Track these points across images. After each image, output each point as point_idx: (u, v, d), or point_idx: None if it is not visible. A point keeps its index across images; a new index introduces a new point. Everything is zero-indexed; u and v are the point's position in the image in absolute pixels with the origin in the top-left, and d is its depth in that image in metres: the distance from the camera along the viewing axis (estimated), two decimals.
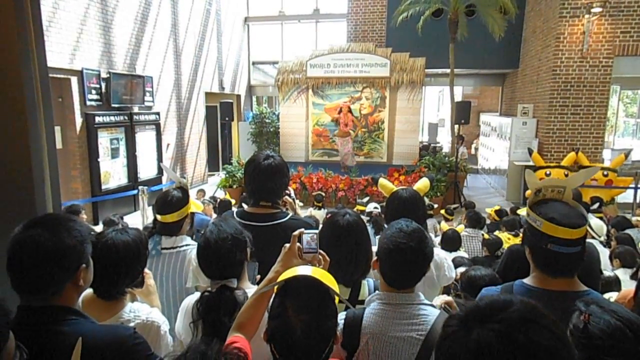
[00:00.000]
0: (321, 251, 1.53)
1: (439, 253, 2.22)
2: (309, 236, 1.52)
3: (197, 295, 1.74)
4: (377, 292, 1.66)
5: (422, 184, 2.50)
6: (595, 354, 1.10)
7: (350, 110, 10.11)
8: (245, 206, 2.24)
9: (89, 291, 1.62)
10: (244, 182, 2.27)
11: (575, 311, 1.21)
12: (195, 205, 2.55)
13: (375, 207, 5.56)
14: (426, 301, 1.61)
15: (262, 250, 1.79)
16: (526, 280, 1.61)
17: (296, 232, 1.52)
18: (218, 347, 1.13)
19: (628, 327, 1.10)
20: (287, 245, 1.52)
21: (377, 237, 2.02)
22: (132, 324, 1.59)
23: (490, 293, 1.64)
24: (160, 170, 9.77)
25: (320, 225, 2.23)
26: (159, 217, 2.34)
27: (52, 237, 1.26)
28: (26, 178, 1.63)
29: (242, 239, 1.69)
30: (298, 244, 1.51)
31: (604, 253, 3.92)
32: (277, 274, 1.37)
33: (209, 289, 1.65)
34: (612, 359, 1.09)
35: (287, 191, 2.33)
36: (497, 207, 6.54)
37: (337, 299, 1.26)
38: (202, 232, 1.75)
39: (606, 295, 2.25)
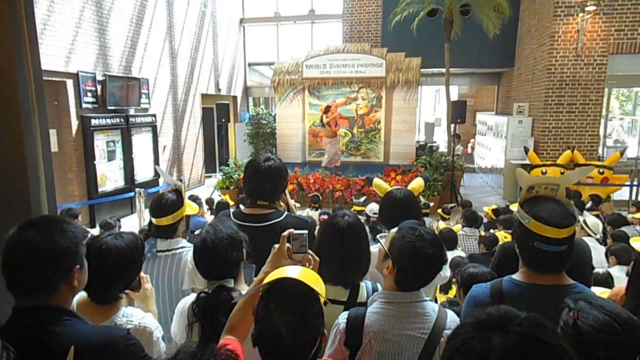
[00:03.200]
0: (310, 251, 1.54)
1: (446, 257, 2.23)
2: (299, 236, 1.53)
3: (193, 296, 1.74)
4: (379, 291, 1.68)
5: (416, 184, 2.51)
6: (586, 348, 1.14)
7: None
8: (242, 207, 2.25)
9: (83, 295, 1.62)
10: (242, 182, 2.28)
11: (564, 307, 1.24)
12: (190, 207, 2.55)
13: (375, 214, 5.56)
14: (427, 298, 1.63)
15: (259, 251, 1.79)
16: (514, 276, 1.64)
17: (285, 233, 1.52)
18: (210, 349, 1.13)
19: (616, 321, 1.14)
20: (277, 245, 1.52)
21: (377, 236, 2.02)
22: None
23: (481, 290, 1.66)
24: (157, 172, 9.76)
25: (317, 227, 2.24)
26: (154, 220, 2.34)
27: (46, 238, 1.27)
28: (21, 181, 1.63)
29: (238, 239, 1.70)
30: (288, 244, 1.51)
31: (599, 250, 3.94)
32: (266, 274, 1.36)
33: (206, 290, 1.66)
34: (602, 353, 1.12)
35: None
36: (494, 206, 6.56)
37: (322, 300, 1.25)
38: (199, 233, 1.76)
39: (596, 290, 2.27)
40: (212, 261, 1.64)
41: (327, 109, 10.09)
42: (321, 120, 10.18)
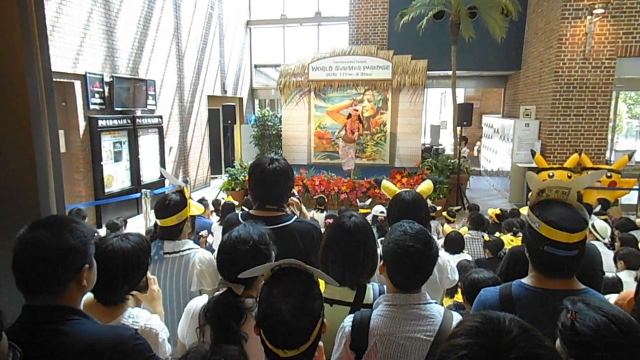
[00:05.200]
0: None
1: (442, 256, 2.22)
2: None
3: (203, 298, 1.73)
4: (384, 294, 1.67)
5: (425, 187, 2.49)
6: (584, 350, 1.14)
7: (360, 119, 9.90)
8: (245, 209, 2.24)
9: (89, 295, 1.62)
10: (248, 186, 2.26)
11: (562, 309, 1.24)
12: (196, 207, 2.55)
13: (382, 212, 5.55)
14: (432, 300, 1.62)
15: None
16: (524, 280, 1.63)
17: None
18: (220, 349, 1.13)
19: (613, 322, 1.13)
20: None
21: (381, 239, 2.02)
22: None
23: (490, 294, 1.64)
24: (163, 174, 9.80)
25: (322, 229, 2.23)
26: (158, 221, 2.34)
27: (56, 237, 1.27)
28: (31, 182, 1.64)
29: (263, 251, 1.64)
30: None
31: (608, 255, 3.91)
32: None
33: (219, 291, 1.65)
34: (600, 354, 1.12)
35: (292, 191, 2.34)
36: (497, 211, 6.52)
37: (322, 283, 1.31)
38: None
39: (606, 297, 2.25)
40: (227, 261, 1.62)
41: (349, 116, 9.99)
42: (345, 126, 10.12)
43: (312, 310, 1.23)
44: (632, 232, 4.49)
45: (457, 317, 1.58)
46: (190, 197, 2.49)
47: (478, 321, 0.85)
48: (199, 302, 1.72)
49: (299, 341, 1.20)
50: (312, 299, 1.24)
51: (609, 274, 3.26)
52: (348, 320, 1.61)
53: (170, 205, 2.31)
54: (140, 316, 1.68)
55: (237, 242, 1.61)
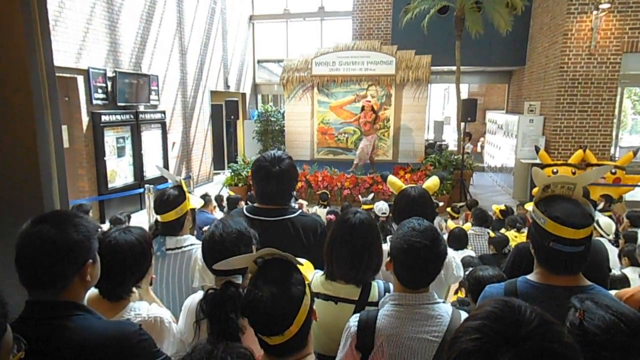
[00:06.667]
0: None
1: (447, 252, 2.20)
2: None
3: (200, 294, 1.73)
4: (390, 293, 1.65)
5: (431, 183, 2.48)
6: (592, 349, 1.11)
7: (373, 109, 9.79)
8: (250, 203, 2.24)
9: (93, 291, 1.62)
10: (252, 183, 2.26)
11: (570, 307, 1.22)
12: (195, 201, 2.55)
13: (384, 213, 5.52)
14: (439, 300, 1.60)
15: (271, 245, 1.78)
16: (529, 277, 1.61)
17: None
18: (224, 346, 1.13)
19: (622, 321, 1.12)
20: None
21: (387, 238, 2.01)
22: None
23: (495, 291, 1.63)
24: (166, 169, 9.79)
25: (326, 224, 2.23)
26: (159, 217, 2.34)
27: (59, 232, 1.27)
28: (34, 177, 1.64)
29: (247, 235, 1.69)
30: None
31: (612, 251, 3.89)
32: None
33: (214, 287, 1.65)
34: (609, 354, 1.10)
35: (301, 202, 2.35)
36: (502, 207, 6.50)
37: (310, 266, 1.37)
38: (208, 228, 1.75)
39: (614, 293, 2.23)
40: (220, 256, 1.61)
41: (362, 109, 9.92)
42: (358, 119, 10.06)
43: (291, 295, 1.25)
44: (636, 229, 4.47)
45: (465, 317, 1.56)
46: (191, 192, 2.49)
47: (498, 307, 0.81)
48: (196, 298, 1.73)
49: (281, 327, 1.22)
50: (290, 285, 1.26)
51: (615, 271, 3.24)
52: (354, 320, 1.59)
53: (169, 200, 2.31)
54: (140, 308, 1.68)
55: (222, 235, 1.64)
